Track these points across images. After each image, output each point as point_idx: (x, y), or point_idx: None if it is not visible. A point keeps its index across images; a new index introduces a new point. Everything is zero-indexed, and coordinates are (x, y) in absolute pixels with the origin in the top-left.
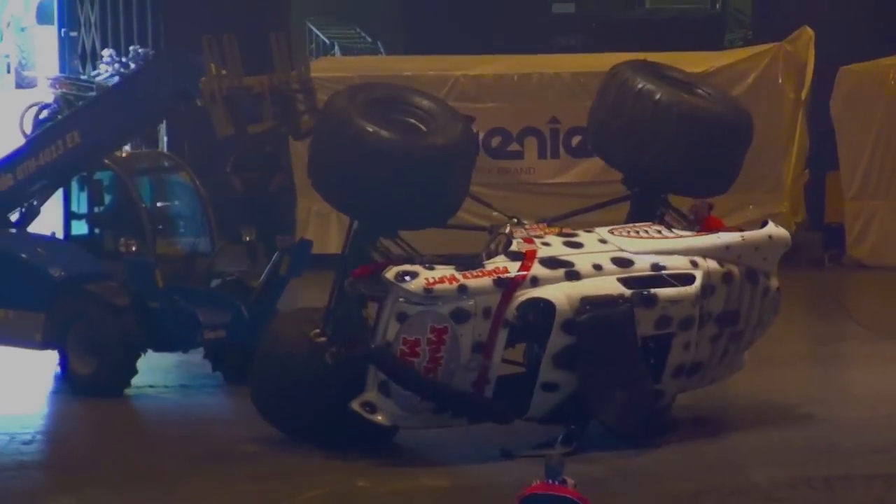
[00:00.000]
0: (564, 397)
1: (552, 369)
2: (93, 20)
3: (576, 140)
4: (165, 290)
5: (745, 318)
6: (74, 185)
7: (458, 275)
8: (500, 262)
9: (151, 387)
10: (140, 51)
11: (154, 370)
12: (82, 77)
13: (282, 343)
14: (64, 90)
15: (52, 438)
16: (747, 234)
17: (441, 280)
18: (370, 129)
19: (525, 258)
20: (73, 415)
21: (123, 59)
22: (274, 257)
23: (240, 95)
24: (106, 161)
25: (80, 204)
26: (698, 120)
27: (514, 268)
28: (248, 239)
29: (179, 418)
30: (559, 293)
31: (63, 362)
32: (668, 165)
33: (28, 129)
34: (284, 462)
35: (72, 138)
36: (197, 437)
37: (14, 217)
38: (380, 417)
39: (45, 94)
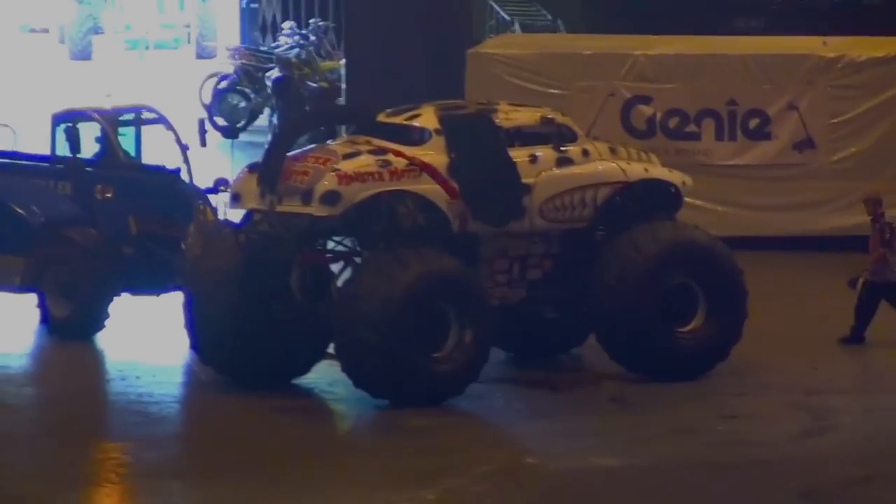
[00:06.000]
0: None
1: None
2: None
3: (753, 122)
4: (139, 236)
5: None
6: (60, 135)
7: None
8: None
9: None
10: (320, 24)
11: None
12: (262, 48)
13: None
14: (243, 61)
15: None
16: None
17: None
18: None
19: None
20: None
21: (303, 32)
22: None
23: None
24: (92, 113)
25: (66, 152)
26: None
27: None
28: (222, 189)
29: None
30: None
31: (42, 305)
32: None
33: (207, 100)
34: (453, 438)
35: (101, 191)
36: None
37: None
38: None
39: (225, 64)
